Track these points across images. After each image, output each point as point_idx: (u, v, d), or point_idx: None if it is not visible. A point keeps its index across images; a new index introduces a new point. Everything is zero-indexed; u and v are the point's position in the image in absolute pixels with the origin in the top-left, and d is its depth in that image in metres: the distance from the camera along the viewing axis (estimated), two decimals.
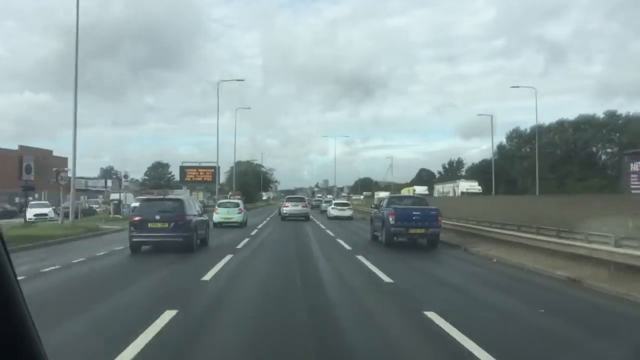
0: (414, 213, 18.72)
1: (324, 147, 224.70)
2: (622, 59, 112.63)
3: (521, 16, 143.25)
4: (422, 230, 18.57)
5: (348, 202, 45.23)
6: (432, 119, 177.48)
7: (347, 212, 38.21)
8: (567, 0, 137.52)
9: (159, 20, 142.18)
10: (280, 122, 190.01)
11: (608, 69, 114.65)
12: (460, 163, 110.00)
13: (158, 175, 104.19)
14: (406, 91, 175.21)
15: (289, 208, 35.62)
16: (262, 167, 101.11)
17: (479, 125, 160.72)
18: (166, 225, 14.78)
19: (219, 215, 28.01)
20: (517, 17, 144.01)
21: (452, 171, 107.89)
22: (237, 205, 29.02)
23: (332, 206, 40.74)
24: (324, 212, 48.69)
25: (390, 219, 18.61)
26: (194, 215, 15.91)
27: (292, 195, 53.73)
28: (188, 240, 14.99)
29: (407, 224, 18.50)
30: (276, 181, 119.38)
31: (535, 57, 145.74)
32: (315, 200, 70.25)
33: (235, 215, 27.89)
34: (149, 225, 14.79)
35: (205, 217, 18.07)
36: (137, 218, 15.17)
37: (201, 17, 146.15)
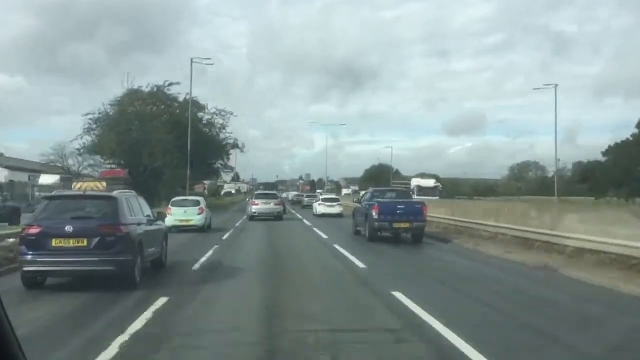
0: (398, 207, 18.03)
1: (308, 140, 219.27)
2: (620, 58, 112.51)
3: (517, 11, 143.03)
4: (407, 224, 17.88)
5: (337, 197, 42.66)
6: (420, 114, 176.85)
7: (336, 209, 35.70)
8: None
9: (142, 5, 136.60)
10: (264, 114, 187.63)
11: (605, 67, 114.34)
12: None
13: None
14: (395, 86, 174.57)
15: (258, 206, 30.94)
16: (205, 109, 48.26)
17: (467, 122, 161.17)
18: (84, 242, 8.79)
19: (173, 216, 21.97)
20: (513, 12, 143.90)
21: None
22: (197, 203, 23.29)
23: (319, 202, 38.00)
24: (306, 207, 47.27)
25: (374, 213, 17.89)
26: (139, 224, 9.95)
27: (268, 189, 44.92)
28: (124, 267, 8.99)
29: (390, 218, 17.79)
30: (239, 147, 54.56)
31: (526, 56, 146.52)
32: (298, 196, 67.92)
33: (194, 217, 22.41)
34: (54, 242, 8.77)
35: (161, 225, 12.13)
36: (32, 230, 8.93)
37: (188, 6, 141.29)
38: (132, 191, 12.31)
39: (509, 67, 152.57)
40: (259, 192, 38.34)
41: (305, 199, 52.40)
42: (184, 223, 22.01)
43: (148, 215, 11.09)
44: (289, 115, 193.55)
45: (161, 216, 12.92)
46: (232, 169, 58.09)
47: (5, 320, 1.33)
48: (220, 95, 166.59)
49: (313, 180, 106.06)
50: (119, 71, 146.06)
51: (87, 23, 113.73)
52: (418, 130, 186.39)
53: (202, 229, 22.26)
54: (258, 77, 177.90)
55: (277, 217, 30.54)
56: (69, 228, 8.82)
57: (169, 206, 23.34)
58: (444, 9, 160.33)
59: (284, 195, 75.28)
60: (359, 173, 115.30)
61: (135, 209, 10.22)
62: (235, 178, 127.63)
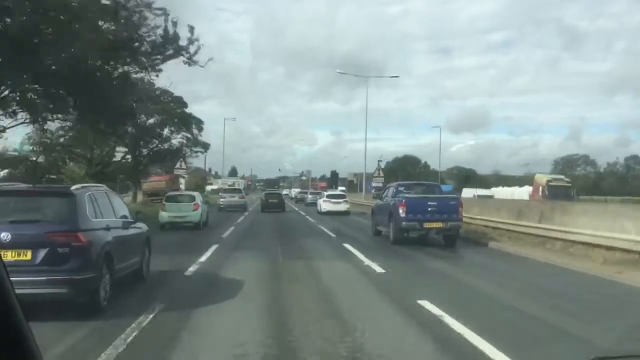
0: (429, 203, 15.42)
1: (310, 137, 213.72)
2: (630, 55, 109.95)
3: (522, 7, 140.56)
4: (440, 224, 15.27)
5: (344, 193, 39.84)
6: (423, 112, 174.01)
7: (342, 206, 33.17)
8: None
9: None
10: (267, 110, 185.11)
11: (612, 65, 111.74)
12: None
13: None
14: (397, 84, 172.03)
15: (225, 199, 37.55)
16: None
17: (470, 120, 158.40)
18: (27, 255, 6.37)
19: (168, 212, 20.84)
20: (518, 8, 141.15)
21: None
22: (192, 199, 21.86)
23: (324, 199, 35.29)
24: (310, 204, 44.12)
25: (400, 211, 15.27)
26: (107, 229, 7.49)
27: (271, 187, 55.03)
28: (83, 289, 6.55)
29: (421, 217, 15.19)
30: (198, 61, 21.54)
31: (531, 53, 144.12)
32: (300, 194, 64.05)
33: (189, 213, 20.90)
34: None
35: (140, 228, 9.40)
36: None
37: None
38: (101, 185, 9.76)
39: (513, 64, 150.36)
40: (226, 187, 48.09)
41: (309, 196, 49.61)
42: (179, 219, 20.79)
43: (124, 217, 8.65)
44: (291, 112, 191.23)
45: (141, 217, 9.98)
46: (206, 146, 35.55)
47: (19, 312, 1.29)
48: (222, 92, 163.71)
49: (336, 173, 67.86)
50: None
51: None
52: (420, 128, 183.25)
53: (198, 226, 20.90)
54: (260, 74, 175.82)
55: (243, 208, 35.63)
56: (6, 236, 6.31)
57: (163, 202, 22.11)
58: (449, 5, 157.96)
59: (285, 192, 71.86)
60: (361, 170, 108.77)
61: (103, 209, 7.74)
62: (232, 173, 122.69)
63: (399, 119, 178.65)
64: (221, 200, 37.64)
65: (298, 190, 76.72)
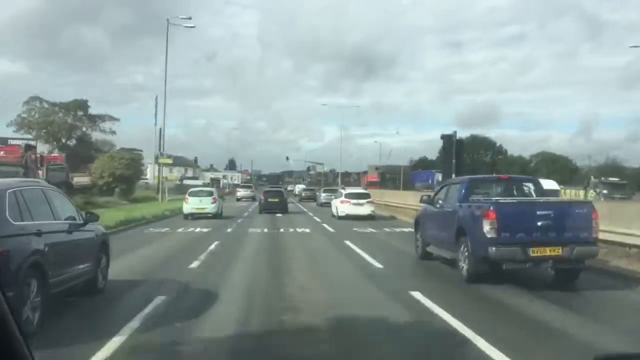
0: (538, 213, 8.69)
1: (317, 132, 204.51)
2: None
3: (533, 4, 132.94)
4: (559, 251, 8.55)
5: (367, 192, 31.45)
6: (432, 107, 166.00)
7: (366, 208, 25.63)
8: None
9: None
10: (273, 105, 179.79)
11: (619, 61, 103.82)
12: None
13: None
14: (405, 78, 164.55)
15: (242, 193, 51.12)
16: None
17: (479, 115, 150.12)
18: None
19: (190, 205, 25.54)
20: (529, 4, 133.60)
21: None
22: (210, 194, 26.60)
23: (342, 199, 26.83)
24: (324, 205, 35.44)
25: (486, 225, 8.59)
26: (39, 234, 5.86)
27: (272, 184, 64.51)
28: None
29: (525, 237, 8.51)
30: None
31: (543, 48, 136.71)
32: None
33: (208, 206, 25.52)
34: None
35: (92, 231, 7.66)
36: None
37: None
38: (37, 180, 8.64)
39: (525, 59, 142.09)
40: (242, 184, 63.52)
41: (323, 194, 39.32)
42: (200, 211, 25.10)
43: (72, 218, 7.01)
44: (297, 107, 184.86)
45: (94, 218, 7.70)
46: None
47: (9, 318, 1.29)
48: (228, 86, 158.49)
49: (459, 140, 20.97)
50: (122, 56, 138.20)
51: (90, 4, 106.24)
52: (430, 123, 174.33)
53: (215, 216, 25.22)
54: (267, 68, 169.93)
55: (253, 199, 45.74)
56: None
57: (187, 196, 26.30)
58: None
59: (289, 188, 66.80)
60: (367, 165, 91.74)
61: (36, 210, 6.03)
62: (230, 166, 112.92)
63: (407, 114, 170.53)
64: (238, 193, 51.63)
65: (303, 186, 67.07)
